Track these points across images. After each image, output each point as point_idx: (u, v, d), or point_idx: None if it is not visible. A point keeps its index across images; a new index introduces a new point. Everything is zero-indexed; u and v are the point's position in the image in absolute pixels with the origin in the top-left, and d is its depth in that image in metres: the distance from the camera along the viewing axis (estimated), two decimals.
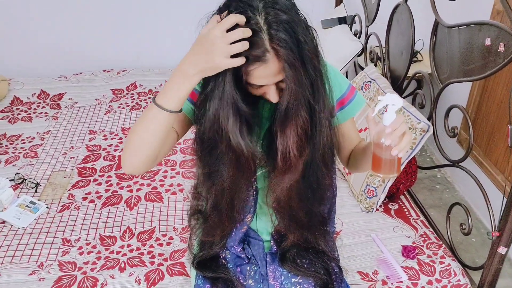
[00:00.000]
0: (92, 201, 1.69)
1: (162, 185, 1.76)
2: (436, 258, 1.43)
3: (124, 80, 2.48)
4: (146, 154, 0.96)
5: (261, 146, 1.07)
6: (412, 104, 1.69)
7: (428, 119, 1.56)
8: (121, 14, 2.53)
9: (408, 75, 1.73)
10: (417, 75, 1.71)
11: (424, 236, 1.52)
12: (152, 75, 2.54)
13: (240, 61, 0.84)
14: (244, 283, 1.21)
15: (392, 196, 1.69)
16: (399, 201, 1.70)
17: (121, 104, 2.31)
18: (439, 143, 1.54)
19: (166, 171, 1.84)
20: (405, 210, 1.66)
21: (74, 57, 2.59)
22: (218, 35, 0.82)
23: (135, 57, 2.65)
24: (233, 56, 0.84)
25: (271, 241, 1.27)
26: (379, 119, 0.92)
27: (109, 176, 1.82)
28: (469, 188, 2.18)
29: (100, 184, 1.77)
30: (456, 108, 1.44)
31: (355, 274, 1.39)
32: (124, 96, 2.37)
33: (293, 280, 1.22)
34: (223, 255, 1.27)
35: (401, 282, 1.36)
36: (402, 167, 1.30)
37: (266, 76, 0.88)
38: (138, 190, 1.75)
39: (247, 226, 1.22)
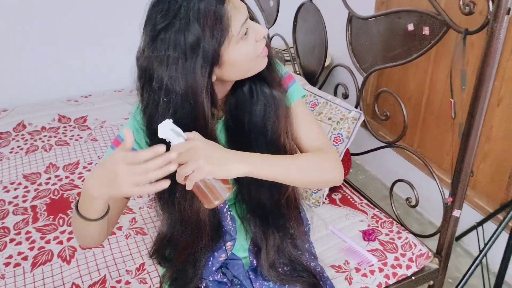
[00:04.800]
0: (17, 264, 1.43)
1: None
2: (394, 235, 1.51)
3: (8, 121, 2.17)
4: (98, 238, 0.98)
5: None
6: (335, 95, 1.76)
7: (356, 107, 1.64)
8: None
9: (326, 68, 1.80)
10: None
11: (375, 217, 1.60)
12: (40, 110, 2.27)
13: (162, 185, 0.79)
14: None
15: (333, 186, 1.74)
16: (340, 190, 1.76)
17: (13, 148, 2.01)
18: (371, 128, 1.63)
19: None
20: (348, 197, 1.72)
21: None
22: (123, 170, 0.76)
23: (16, 93, 2.35)
24: None
25: (250, 257, 1.22)
26: None
27: (27, 232, 1.56)
28: (382, 168, 2.36)
29: (20, 243, 1.51)
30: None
31: (329, 268, 1.40)
32: (13, 139, 2.07)
33: None
34: (203, 286, 1.18)
35: (372, 265, 1.40)
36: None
37: (239, 7, 0.87)
38: (69, 239, 1.53)
39: (225, 254, 1.15)
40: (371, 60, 1.52)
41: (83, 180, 1.82)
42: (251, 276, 1.19)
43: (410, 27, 1.33)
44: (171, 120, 0.82)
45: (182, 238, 1.07)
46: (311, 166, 0.99)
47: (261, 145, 0.99)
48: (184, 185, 0.83)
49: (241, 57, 0.90)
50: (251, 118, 0.98)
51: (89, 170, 1.89)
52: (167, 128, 0.81)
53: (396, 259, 1.43)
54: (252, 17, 0.94)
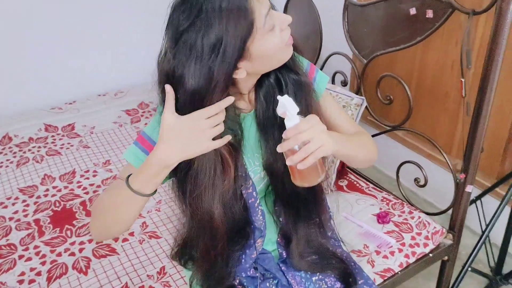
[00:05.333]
0: (32, 281, 1.37)
1: None
2: (406, 215, 1.55)
3: None
4: (121, 230, 1.02)
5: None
6: (333, 84, 1.78)
7: (356, 93, 1.67)
8: None
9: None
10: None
11: (385, 200, 1.63)
12: (23, 121, 2.19)
13: (224, 141, 0.89)
14: None
15: (338, 173, 1.76)
16: (345, 176, 1.78)
17: (2, 162, 1.93)
18: (373, 113, 1.66)
19: None
20: (355, 182, 1.75)
21: None
22: (207, 124, 0.84)
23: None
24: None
25: (278, 249, 1.23)
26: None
27: (36, 247, 1.50)
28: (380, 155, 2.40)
29: (30, 259, 1.45)
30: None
31: (350, 254, 1.42)
32: (1, 153, 1.98)
33: (313, 279, 1.19)
34: (236, 282, 1.17)
35: (391, 246, 1.43)
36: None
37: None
38: (81, 250, 1.48)
39: (257, 252, 1.15)
40: (371, 47, 1.54)
41: (83, 189, 1.77)
42: (282, 268, 1.20)
43: (413, 11, 1.36)
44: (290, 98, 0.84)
45: (200, 241, 1.05)
46: (364, 145, 1.07)
47: None
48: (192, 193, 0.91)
49: (270, 49, 0.89)
50: None
51: (87, 178, 1.83)
52: (286, 104, 0.82)
53: (413, 238, 1.46)
54: (272, 7, 0.94)
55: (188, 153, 0.86)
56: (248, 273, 1.17)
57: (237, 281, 1.16)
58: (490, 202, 1.85)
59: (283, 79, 1.00)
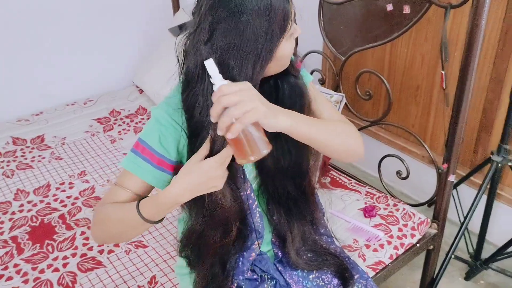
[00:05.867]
0: None
1: (90, 249, 1.48)
2: (391, 208, 1.58)
3: None
4: (125, 241, 1.14)
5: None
6: None
7: (335, 91, 1.69)
8: None
9: None
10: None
11: (369, 194, 1.65)
12: None
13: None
14: None
15: (321, 171, 1.77)
16: (327, 174, 1.80)
17: None
18: (353, 109, 1.68)
19: (84, 232, 1.55)
20: (337, 179, 1.77)
21: None
22: (222, 171, 0.86)
23: None
24: None
25: (274, 249, 1.22)
26: None
27: (16, 265, 1.43)
28: None
29: (10, 278, 1.38)
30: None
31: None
32: None
33: (311, 277, 1.20)
34: (235, 286, 1.16)
35: (380, 239, 1.46)
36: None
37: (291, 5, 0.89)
38: (65, 265, 1.42)
39: (255, 253, 1.14)
40: (349, 44, 1.56)
41: (60, 202, 1.70)
42: (279, 268, 1.19)
43: (389, 7, 1.39)
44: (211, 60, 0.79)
45: (210, 233, 1.03)
46: (342, 132, 1.02)
47: (285, 136, 0.99)
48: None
49: (287, 53, 0.91)
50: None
51: (63, 191, 1.76)
52: (212, 67, 0.78)
53: (400, 230, 1.49)
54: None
55: (199, 193, 0.89)
56: (246, 275, 1.16)
57: (235, 284, 1.15)
58: (464, 191, 1.92)
59: (280, 80, 1.00)
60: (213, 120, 0.80)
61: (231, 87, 0.78)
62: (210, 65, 0.78)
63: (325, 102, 1.12)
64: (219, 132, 0.80)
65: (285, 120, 0.87)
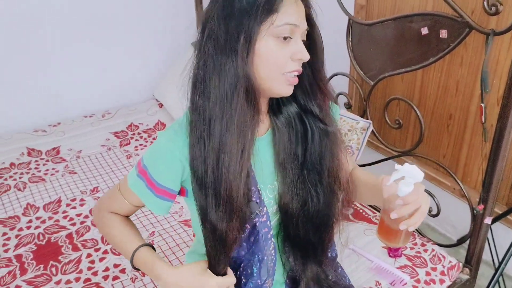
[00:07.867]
0: None
1: (95, 274, 1.40)
2: (419, 248, 1.45)
3: None
4: None
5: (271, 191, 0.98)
6: None
7: (362, 116, 1.58)
8: None
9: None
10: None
11: None
12: (4, 145, 2.06)
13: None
14: None
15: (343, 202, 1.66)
16: (351, 205, 1.68)
17: None
18: (381, 137, 1.57)
19: (90, 255, 1.48)
20: (361, 211, 1.65)
21: None
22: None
23: None
24: None
25: None
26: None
27: (17, 287, 1.37)
28: None
29: None
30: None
31: None
32: None
33: None
34: None
35: (406, 283, 1.33)
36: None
37: (298, 13, 0.82)
38: None
39: None
40: (378, 67, 1.45)
41: (69, 220, 1.64)
42: None
43: (424, 30, 1.28)
44: (420, 172, 0.82)
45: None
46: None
47: (314, 182, 0.95)
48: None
49: (270, 55, 0.82)
50: (306, 154, 0.94)
51: (73, 208, 1.70)
52: (413, 172, 0.81)
53: (428, 274, 1.36)
54: (304, 41, 0.86)
55: None
56: None
57: None
58: (499, 229, 1.77)
59: (309, 125, 0.94)
60: (400, 215, 0.83)
61: (421, 189, 0.84)
62: (413, 170, 0.82)
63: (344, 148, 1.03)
64: (404, 227, 0.83)
65: None
